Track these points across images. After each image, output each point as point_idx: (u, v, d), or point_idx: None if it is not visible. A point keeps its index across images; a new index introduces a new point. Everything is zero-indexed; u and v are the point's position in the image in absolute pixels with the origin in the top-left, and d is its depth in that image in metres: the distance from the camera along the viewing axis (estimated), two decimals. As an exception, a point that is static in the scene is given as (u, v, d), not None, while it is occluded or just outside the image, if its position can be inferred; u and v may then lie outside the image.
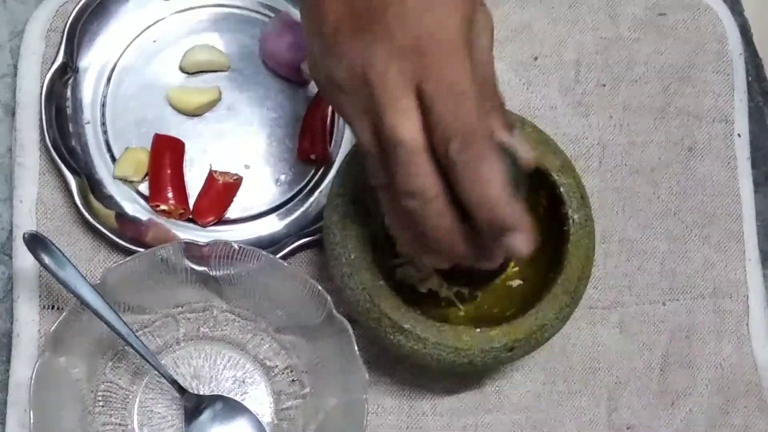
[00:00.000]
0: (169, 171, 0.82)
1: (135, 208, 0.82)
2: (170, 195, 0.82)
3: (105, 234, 0.80)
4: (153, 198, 0.82)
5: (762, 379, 0.86)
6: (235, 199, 0.84)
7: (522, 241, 0.59)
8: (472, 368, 0.73)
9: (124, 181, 0.83)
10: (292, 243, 0.81)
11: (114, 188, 0.82)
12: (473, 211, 0.57)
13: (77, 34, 0.84)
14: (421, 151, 0.57)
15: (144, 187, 0.83)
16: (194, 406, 0.78)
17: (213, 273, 0.77)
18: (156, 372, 0.77)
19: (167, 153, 0.82)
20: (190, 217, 0.83)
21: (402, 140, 0.56)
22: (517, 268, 0.80)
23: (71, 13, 0.83)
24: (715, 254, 0.88)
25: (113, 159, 0.83)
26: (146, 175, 0.83)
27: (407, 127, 0.56)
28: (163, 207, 0.81)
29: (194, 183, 0.83)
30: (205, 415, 0.78)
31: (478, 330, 0.72)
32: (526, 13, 0.90)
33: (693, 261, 0.88)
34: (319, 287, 0.75)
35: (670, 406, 0.85)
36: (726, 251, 0.88)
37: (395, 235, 0.66)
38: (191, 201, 0.83)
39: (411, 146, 0.56)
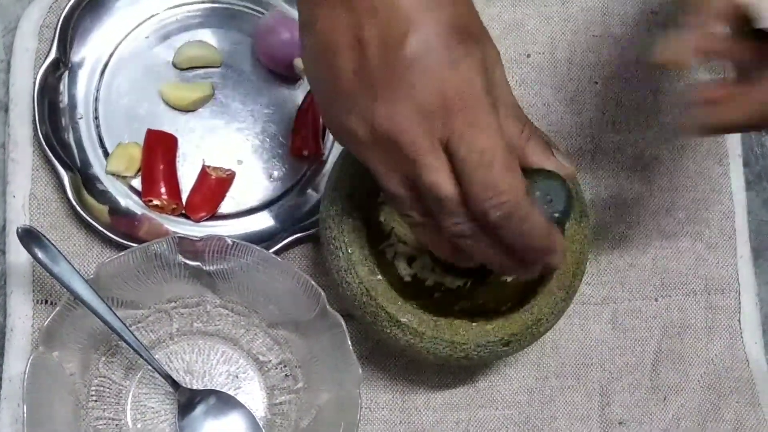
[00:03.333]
0: (161, 166, 0.82)
1: (128, 203, 0.82)
2: (163, 190, 0.82)
3: (98, 229, 0.80)
4: (146, 193, 0.82)
5: (753, 374, 0.87)
6: (228, 194, 0.84)
7: (558, 257, 0.64)
8: (467, 362, 0.73)
9: (117, 176, 0.82)
10: (286, 238, 0.82)
11: (107, 183, 0.82)
12: (519, 253, 0.62)
13: (70, 29, 0.83)
14: (460, 204, 0.59)
15: (137, 183, 0.83)
16: (187, 400, 0.78)
17: (206, 268, 0.77)
18: (149, 367, 0.77)
19: (160, 148, 0.82)
20: (183, 212, 0.83)
21: (445, 197, 0.58)
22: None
23: (64, 9, 0.83)
24: (707, 251, 0.89)
25: (106, 154, 0.83)
26: (139, 170, 0.83)
27: (445, 184, 0.58)
28: (155, 202, 0.81)
29: (187, 178, 0.83)
30: (199, 410, 0.78)
31: (475, 324, 0.72)
32: (518, 11, 0.90)
33: (685, 257, 0.88)
34: (313, 282, 0.75)
35: (662, 401, 0.86)
36: (718, 248, 0.89)
37: (435, 252, 0.67)
38: (184, 196, 0.83)
39: (452, 201, 0.59)
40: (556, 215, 0.63)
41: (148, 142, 0.82)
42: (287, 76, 0.86)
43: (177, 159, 0.83)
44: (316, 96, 0.63)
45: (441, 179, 0.58)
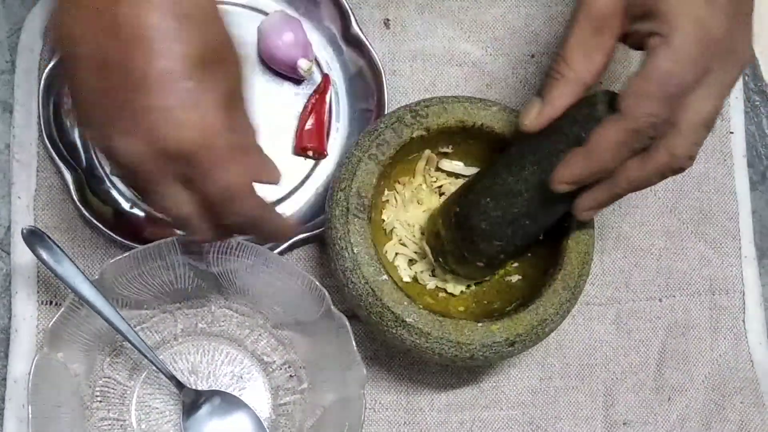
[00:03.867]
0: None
1: (132, 203, 0.82)
2: None
3: (102, 230, 0.80)
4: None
5: (758, 375, 0.87)
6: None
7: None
8: (473, 363, 0.73)
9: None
10: (290, 238, 0.81)
11: (112, 183, 0.82)
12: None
13: (74, 30, 0.83)
14: (201, 218, 0.63)
15: (141, 183, 0.83)
16: (192, 401, 0.78)
17: (211, 269, 0.77)
18: (154, 367, 0.77)
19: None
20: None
21: (186, 217, 0.63)
22: (516, 264, 0.80)
23: (69, 9, 0.83)
24: (711, 251, 0.89)
25: (110, 155, 0.83)
26: None
27: (183, 209, 0.62)
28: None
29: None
30: (203, 411, 0.78)
31: (480, 324, 0.72)
32: (522, 12, 0.90)
33: (689, 258, 0.88)
34: (317, 283, 0.75)
35: (667, 401, 0.86)
36: (722, 248, 0.89)
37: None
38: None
39: (193, 218, 0.63)
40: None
41: None
42: (291, 76, 0.86)
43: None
44: (74, 115, 0.67)
45: (178, 206, 0.62)
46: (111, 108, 0.58)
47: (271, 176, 0.66)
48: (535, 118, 0.68)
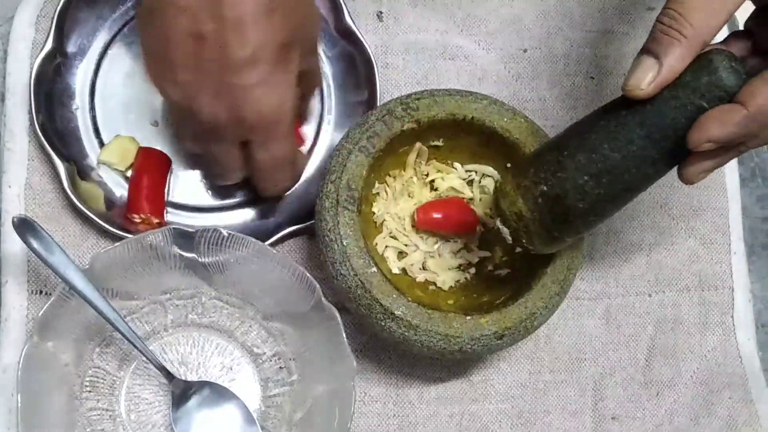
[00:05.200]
0: (148, 183, 0.81)
1: (123, 193, 0.82)
2: (146, 206, 0.81)
3: (94, 219, 0.80)
4: (129, 209, 0.81)
5: (746, 370, 0.87)
6: (223, 185, 0.83)
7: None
8: (461, 356, 0.73)
9: (111, 167, 0.82)
10: (281, 230, 0.82)
11: (103, 174, 0.82)
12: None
13: (67, 20, 0.83)
14: (235, 176, 0.78)
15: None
16: (182, 392, 0.78)
17: (201, 260, 0.77)
18: (144, 358, 0.77)
19: (150, 166, 0.82)
20: (180, 203, 0.82)
21: (224, 167, 0.77)
22: (506, 258, 0.80)
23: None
24: (701, 247, 0.89)
25: (102, 145, 0.83)
26: (131, 165, 0.83)
27: (229, 162, 0.75)
28: (137, 218, 0.81)
29: (183, 171, 0.83)
30: (193, 401, 0.78)
31: (469, 317, 0.72)
32: (515, 6, 0.90)
33: (679, 253, 0.88)
34: (308, 275, 0.75)
35: (655, 396, 0.86)
36: (712, 244, 0.89)
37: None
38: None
39: (227, 172, 0.78)
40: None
41: (138, 160, 0.82)
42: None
43: (169, 172, 0.83)
44: (143, 51, 0.72)
45: (227, 162, 0.75)
46: (201, 73, 0.68)
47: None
48: (650, 83, 0.61)
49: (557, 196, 0.68)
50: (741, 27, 0.69)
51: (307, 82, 0.78)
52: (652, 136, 0.63)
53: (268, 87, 0.69)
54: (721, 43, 0.67)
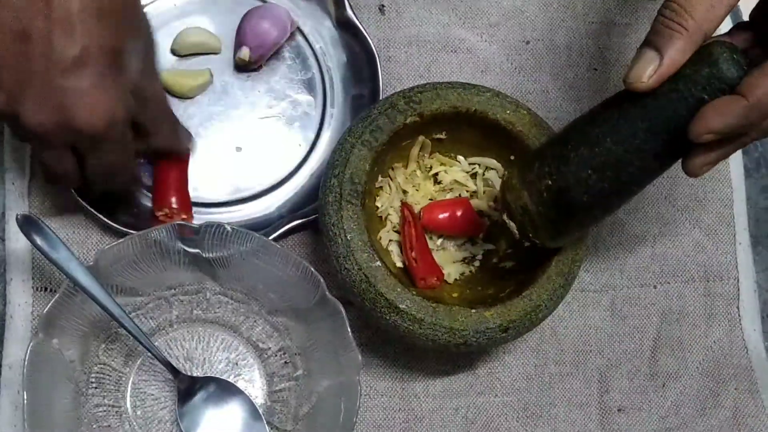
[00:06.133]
0: (172, 178, 0.81)
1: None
2: (174, 200, 0.81)
3: (97, 216, 0.80)
4: (157, 205, 0.81)
5: (752, 361, 0.87)
6: (226, 180, 0.84)
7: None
8: (466, 349, 0.73)
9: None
10: (285, 225, 0.82)
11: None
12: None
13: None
14: (73, 179, 0.73)
15: (136, 170, 0.83)
16: (187, 387, 0.78)
17: (206, 255, 0.77)
18: (149, 354, 0.77)
19: (173, 161, 0.82)
20: (191, 200, 0.82)
21: (59, 173, 0.72)
22: (510, 251, 0.80)
23: (63, -5, 0.82)
24: (705, 238, 0.89)
25: (105, 141, 0.83)
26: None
27: (62, 167, 0.71)
28: (164, 212, 0.81)
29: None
30: (198, 397, 0.78)
31: (473, 311, 0.72)
32: (518, -2, 0.90)
33: (684, 244, 0.88)
34: (312, 269, 0.75)
35: (661, 388, 0.86)
36: (717, 235, 0.89)
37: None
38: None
39: (62, 177, 0.73)
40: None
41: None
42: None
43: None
44: None
45: (60, 167, 0.71)
46: (25, 76, 0.64)
47: (180, 146, 0.79)
48: (651, 76, 0.62)
49: (561, 190, 0.68)
50: (745, 18, 0.68)
51: (151, 109, 0.74)
52: (655, 129, 0.63)
53: (98, 92, 0.66)
54: (725, 35, 0.66)
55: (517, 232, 0.73)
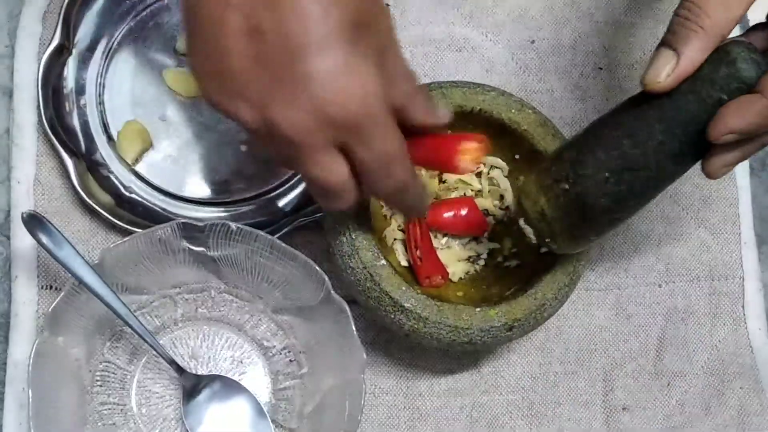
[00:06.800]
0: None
1: (132, 188, 0.82)
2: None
3: (102, 215, 0.80)
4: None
5: (757, 360, 0.87)
6: (232, 179, 0.84)
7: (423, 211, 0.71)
8: (471, 347, 0.73)
9: (123, 160, 0.82)
10: (290, 223, 0.82)
11: (112, 168, 0.82)
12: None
13: (74, 15, 0.83)
14: (352, 189, 0.62)
15: (141, 168, 0.83)
16: (192, 385, 0.78)
17: (211, 253, 0.77)
18: (154, 352, 0.77)
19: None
20: (189, 197, 0.83)
21: (336, 188, 0.62)
22: (515, 250, 0.80)
23: (68, -5, 0.83)
24: (710, 237, 0.89)
25: (110, 139, 0.83)
26: (146, 149, 0.83)
27: (337, 177, 0.61)
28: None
29: (191, 165, 0.83)
30: (203, 395, 0.78)
31: (478, 309, 0.72)
32: (523, -3, 0.90)
33: (689, 244, 0.88)
34: (317, 268, 0.75)
35: (666, 387, 0.86)
36: (722, 234, 0.89)
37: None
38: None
39: (345, 186, 0.62)
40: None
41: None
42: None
43: (182, 148, 0.84)
44: (194, 70, 0.61)
45: (333, 174, 0.61)
46: (266, 77, 0.57)
47: (437, 117, 0.67)
48: (668, 75, 0.61)
49: (579, 194, 0.67)
50: (751, 24, 0.68)
51: (400, 84, 0.63)
52: (672, 130, 0.62)
53: (347, 74, 0.57)
54: (741, 35, 0.66)
55: (534, 237, 0.72)
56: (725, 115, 0.60)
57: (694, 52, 0.60)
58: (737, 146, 0.62)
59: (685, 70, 0.61)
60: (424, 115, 0.66)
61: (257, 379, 0.80)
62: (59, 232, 0.74)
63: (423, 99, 0.66)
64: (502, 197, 0.81)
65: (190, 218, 0.79)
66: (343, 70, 0.57)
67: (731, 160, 0.63)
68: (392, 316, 0.72)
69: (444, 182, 0.82)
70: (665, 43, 0.62)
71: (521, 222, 0.72)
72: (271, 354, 0.81)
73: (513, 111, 0.77)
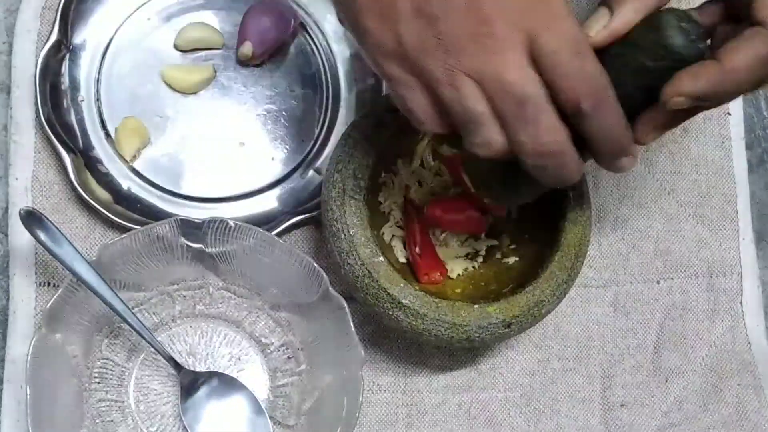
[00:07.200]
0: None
1: (130, 185, 0.82)
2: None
3: (100, 211, 0.80)
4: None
5: (755, 357, 0.87)
6: (230, 176, 0.84)
7: (630, 161, 0.63)
8: (469, 344, 0.73)
9: (121, 158, 0.82)
10: (288, 220, 0.82)
11: (109, 165, 0.82)
12: (598, 146, 0.61)
13: (71, 11, 0.83)
14: (548, 106, 0.58)
15: (138, 165, 0.83)
16: (190, 382, 0.78)
17: (209, 250, 0.77)
18: (152, 349, 0.77)
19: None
20: (187, 194, 0.83)
21: (530, 96, 0.58)
22: (513, 246, 0.80)
23: (66, -9, 0.83)
24: (709, 233, 0.89)
25: (108, 136, 0.83)
26: (138, 151, 0.83)
27: (531, 82, 0.57)
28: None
29: (189, 162, 0.83)
30: (201, 392, 0.78)
31: (476, 306, 0.72)
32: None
33: (687, 240, 0.88)
34: (315, 264, 0.75)
35: (664, 383, 0.86)
36: (720, 230, 0.89)
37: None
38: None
39: (539, 102, 0.58)
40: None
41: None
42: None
43: (179, 142, 0.84)
44: (366, 27, 0.60)
45: (524, 76, 0.57)
46: (453, 59, 0.58)
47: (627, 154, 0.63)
48: (600, 31, 0.60)
49: None
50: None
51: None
52: None
53: (506, 46, 0.57)
54: (695, 8, 0.65)
55: (471, 185, 0.74)
56: (681, 77, 0.59)
57: (626, 12, 0.60)
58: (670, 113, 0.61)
59: (616, 28, 0.60)
60: (608, 134, 0.61)
61: (255, 376, 0.80)
62: (57, 228, 0.74)
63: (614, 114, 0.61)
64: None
65: (187, 215, 0.80)
66: (503, 46, 0.57)
67: (662, 122, 0.62)
68: (390, 313, 0.72)
69: (442, 177, 0.82)
70: (603, 2, 0.61)
71: (463, 173, 0.74)
72: (269, 351, 0.81)
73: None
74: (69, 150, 0.80)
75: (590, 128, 0.60)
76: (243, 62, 0.85)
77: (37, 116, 0.81)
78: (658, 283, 0.87)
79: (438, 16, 0.58)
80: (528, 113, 0.58)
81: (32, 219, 0.74)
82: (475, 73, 0.58)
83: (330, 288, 0.75)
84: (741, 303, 0.88)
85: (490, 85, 0.58)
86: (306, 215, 0.82)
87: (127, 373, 0.79)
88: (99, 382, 0.78)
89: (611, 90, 0.59)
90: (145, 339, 0.76)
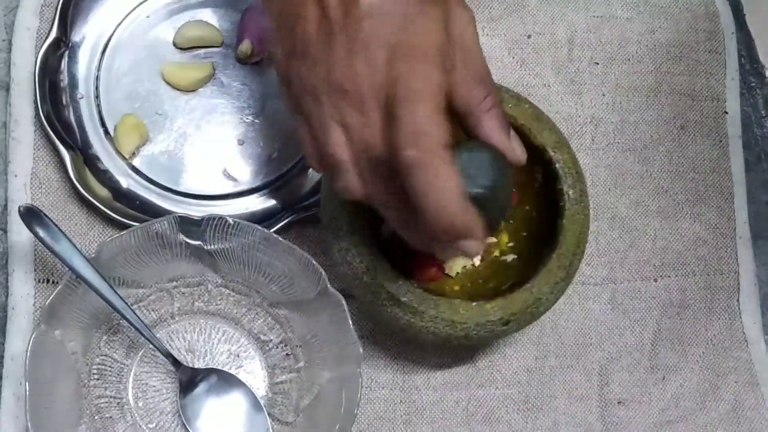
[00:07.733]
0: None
1: (129, 182, 0.82)
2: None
3: (100, 208, 0.80)
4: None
5: (752, 354, 0.87)
6: (225, 172, 0.84)
7: (473, 246, 0.60)
8: (467, 342, 0.74)
9: (120, 155, 0.82)
10: (286, 218, 0.82)
11: (108, 163, 0.83)
12: (426, 218, 0.58)
13: (71, 9, 0.83)
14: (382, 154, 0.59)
15: (137, 162, 0.83)
16: (189, 379, 0.78)
17: (208, 247, 0.77)
18: (151, 345, 0.77)
19: None
20: (186, 191, 0.83)
21: (369, 144, 0.60)
22: (512, 244, 0.80)
23: (65, -12, 0.83)
24: (706, 232, 0.89)
25: (107, 133, 0.83)
26: (144, 143, 0.83)
27: (375, 135, 0.59)
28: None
29: (188, 159, 0.84)
30: (200, 388, 0.78)
31: (475, 304, 0.72)
32: (519, -9, 0.90)
33: (684, 238, 0.88)
34: (314, 261, 0.75)
35: (661, 381, 0.86)
36: (717, 229, 0.89)
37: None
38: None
39: (376, 148, 0.60)
40: (476, 190, 0.60)
41: None
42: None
43: (178, 140, 0.84)
44: (276, 58, 0.64)
45: (371, 133, 0.59)
46: (330, 37, 0.59)
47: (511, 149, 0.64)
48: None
49: None
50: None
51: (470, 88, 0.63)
52: None
53: (403, 24, 0.59)
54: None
55: None
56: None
57: None
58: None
59: None
60: (494, 132, 0.63)
61: (254, 372, 0.81)
62: (56, 225, 0.74)
63: (498, 113, 0.63)
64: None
65: (186, 212, 0.80)
66: (397, 21, 0.59)
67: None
68: (389, 310, 0.72)
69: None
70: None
71: None
72: (267, 348, 0.81)
73: (510, 105, 0.77)
74: (68, 147, 0.80)
75: (412, 193, 0.57)
76: (242, 60, 0.85)
77: (37, 113, 0.81)
78: (655, 280, 0.87)
79: (318, 61, 0.60)
80: (377, 168, 0.60)
81: (31, 216, 0.74)
82: (341, 123, 0.60)
83: (329, 285, 0.75)
84: (738, 301, 0.88)
85: (353, 135, 0.60)
86: (305, 213, 0.82)
87: (126, 370, 0.79)
88: (98, 379, 0.78)
89: (441, 158, 0.56)
90: (143, 336, 0.76)
